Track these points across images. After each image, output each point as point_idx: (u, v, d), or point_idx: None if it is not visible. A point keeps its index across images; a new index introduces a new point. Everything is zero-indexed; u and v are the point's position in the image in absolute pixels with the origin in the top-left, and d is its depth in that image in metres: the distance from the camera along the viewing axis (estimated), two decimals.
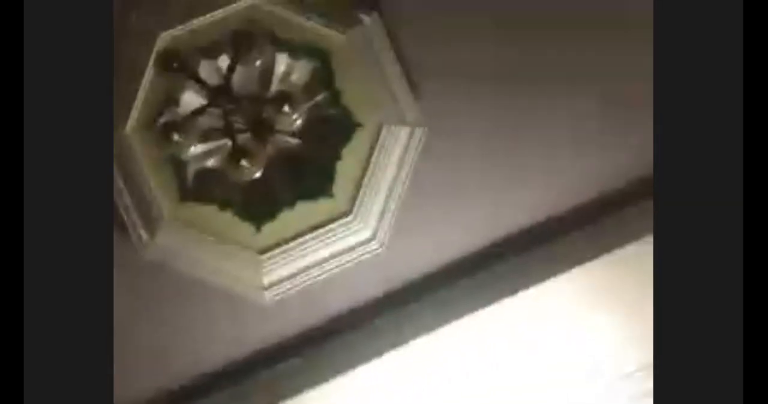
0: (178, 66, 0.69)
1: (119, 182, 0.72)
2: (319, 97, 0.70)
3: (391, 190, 0.72)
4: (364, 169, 0.70)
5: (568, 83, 0.75)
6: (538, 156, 0.76)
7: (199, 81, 0.69)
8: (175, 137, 0.69)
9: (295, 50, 0.69)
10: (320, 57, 0.69)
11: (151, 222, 0.72)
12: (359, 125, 0.70)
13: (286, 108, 0.67)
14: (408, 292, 0.73)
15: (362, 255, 0.72)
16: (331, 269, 0.72)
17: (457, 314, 0.72)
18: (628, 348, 0.74)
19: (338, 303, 0.74)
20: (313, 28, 0.69)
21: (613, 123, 0.76)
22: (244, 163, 0.68)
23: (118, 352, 0.67)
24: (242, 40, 0.67)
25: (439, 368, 0.73)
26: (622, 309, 0.74)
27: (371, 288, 0.74)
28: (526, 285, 0.71)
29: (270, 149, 0.71)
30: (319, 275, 0.72)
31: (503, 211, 0.76)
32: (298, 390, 0.72)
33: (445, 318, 0.71)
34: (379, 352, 0.72)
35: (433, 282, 0.73)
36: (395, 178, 0.72)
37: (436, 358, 0.73)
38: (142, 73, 0.70)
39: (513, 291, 0.71)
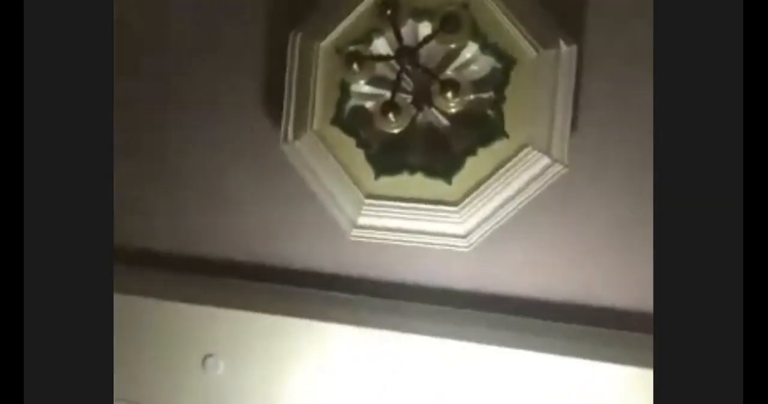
0: (390, 15, 0.74)
1: (293, 82, 0.80)
2: (485, 95, 0.73)
3: (503, 205, 0.74)
4: (490, 175, 0.73)
5: None
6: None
7: (397, 34, 0.74)
8: (355, 67, 0.75)
9: (487, 46, 0.71)
10: (505, 61, 0.71)
11: (299, 126, 0.80)
12: (506, 135, 0.72)
13: (449, 94, 0.70)
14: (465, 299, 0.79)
15: (447, 246, 0.77)
16: (413, 242, 0.78)
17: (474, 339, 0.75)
18: None
19: (404, 273, 0.81)
20: (514, 35, 0.71)
21: None
22: (390, 116, 0.73)
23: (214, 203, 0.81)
24: (450, 23, 0.71)
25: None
26: None
27: (436, 277, 0.80)
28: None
29: (421, 118, 0.76)
30: (400, 241, 0.78)
31: (598, 280, 0.76)
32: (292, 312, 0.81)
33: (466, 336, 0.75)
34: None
35: (489, 303, 0.78)
36: (512, 198, 0.74)
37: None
38: (355, 7, 0.76)
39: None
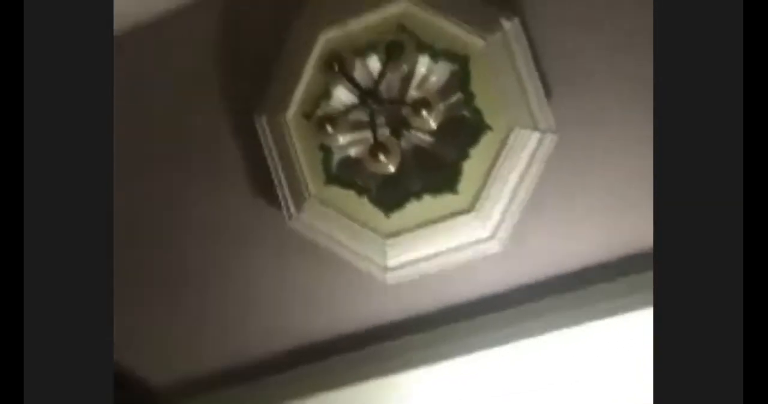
0: (339, 68, 0.77)
1: (276, 159, 0.82)
2: (454, 99, 0.74)
3: (514, 193, 0.74)
4: (490, 170, 0.73)
5: None
6: None
7: (354, 84, 0.77)
8: (329, 129, 0.78)
9: (436, 54, 0.74)
10: (459, 60, 0.73)
11: (298, 199, 0.81)
12: (489, 128, 0.73)
13: (423, 112, 0.72)
14: (513, 297, 0.77)
15: (479, 252, 0.75)
16: (448, 262, 0.76)
17: (547, 328, 0.73)
18: None
19: (451, 294, 0.79)
20: (456, 33, 0.73)
21: None
22: (382, 158, 0.74)
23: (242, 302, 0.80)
24: (394, 50, 0.74)
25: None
26: None
27: (484, 286, 0.78)
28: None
29: (405, 144, 0.77)
30: (436, 266, 0.77)
31: (625, 230, 0.75)
32: (393, 370, 0.78)
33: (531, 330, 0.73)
34: (484, 345, 0.76)
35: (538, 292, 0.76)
36: (519, 183, 0.74)
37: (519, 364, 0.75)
38: (302, 69, 0.79)
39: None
